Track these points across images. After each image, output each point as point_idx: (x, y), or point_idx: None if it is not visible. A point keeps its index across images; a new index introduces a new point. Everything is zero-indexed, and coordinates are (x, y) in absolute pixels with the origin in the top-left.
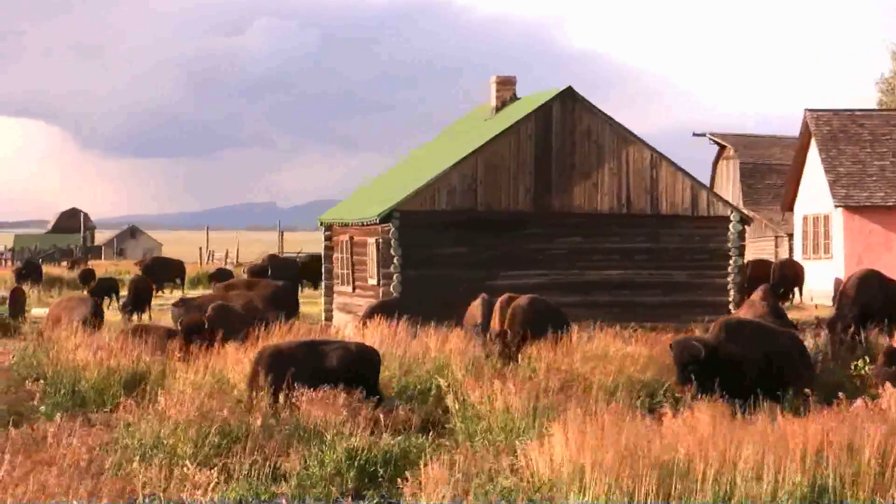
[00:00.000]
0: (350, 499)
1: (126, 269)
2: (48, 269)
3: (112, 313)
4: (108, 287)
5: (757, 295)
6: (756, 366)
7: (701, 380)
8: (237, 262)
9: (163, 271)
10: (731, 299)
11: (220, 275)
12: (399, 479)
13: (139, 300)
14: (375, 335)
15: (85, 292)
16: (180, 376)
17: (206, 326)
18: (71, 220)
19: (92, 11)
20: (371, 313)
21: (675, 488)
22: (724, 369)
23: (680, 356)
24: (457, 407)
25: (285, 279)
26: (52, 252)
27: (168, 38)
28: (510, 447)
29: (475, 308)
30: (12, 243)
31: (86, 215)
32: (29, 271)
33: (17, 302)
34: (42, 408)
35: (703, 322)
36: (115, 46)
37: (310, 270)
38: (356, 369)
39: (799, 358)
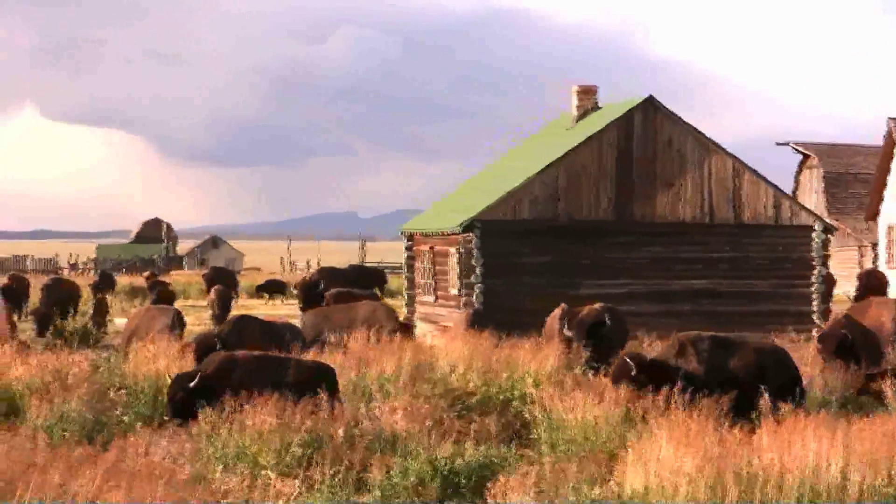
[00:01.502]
0: None
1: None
2: (130, 279)
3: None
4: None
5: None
6: None
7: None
8: None
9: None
10: (814, 309)
11: (270, 286)
12: (485, 489)
13: (225, 310)
14: (458, 345)
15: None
16: None
17: (220, 345)
18: (153, 230)
19: (171, 20)
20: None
21: (760, 496)
22: None
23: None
24: (540, 417)
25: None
26: (134, 262)
27: (250, 46)
28: (593, 457)
29: (554, 318)
30: (95, 253)
31: (168, 225)
32: (104, 284)
33: (100, 312)
34: (125, 417)
35: (788, 332)
36: (196, 55)
37: (358, 283)
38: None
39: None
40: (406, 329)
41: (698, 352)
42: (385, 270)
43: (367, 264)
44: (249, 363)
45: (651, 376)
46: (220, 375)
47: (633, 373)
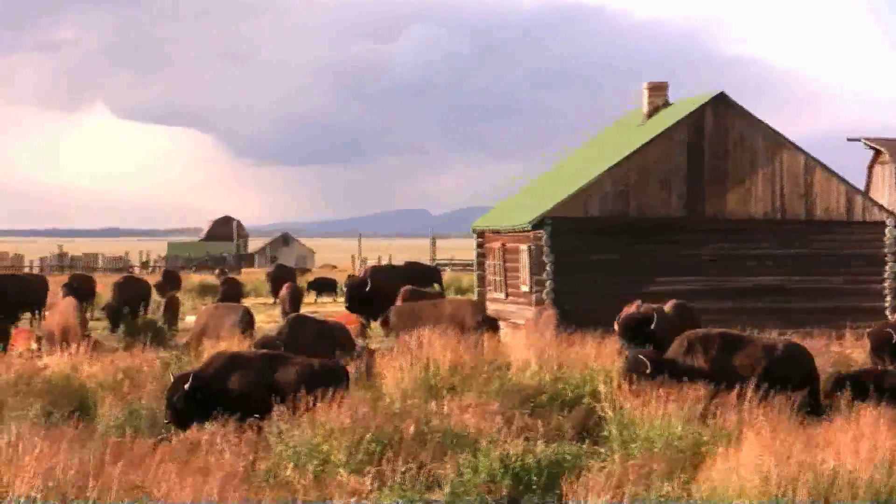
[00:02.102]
0: None
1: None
2: (201, 277)
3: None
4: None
5: None
6: None
7: None
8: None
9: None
10: (887, 305)
11: (319, 284)
12: (556, 486)
13: (296, 308)
14: (530, 341)
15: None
16: None
17: (281, 345)
18: (224, 228)
19: (242, 19)
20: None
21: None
22: None
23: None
24: (611, 414)
25: (385, 290)
26: (204, 260)
27: (320, 45)
28: (666, 455)
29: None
30: (166, 251)
31: (239, 223)
32: (168, 282)
33: (171, 310)
34: None
35: (859, 328)
36: (266, 54)
37: (412, 280)
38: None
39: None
40: (492, 324)
41: (706, 350)
42: (443, 268)
43: (423, 262)
44: (251, 364)
45: (662, 373)
46: (220, 376)
47: (647, 370)
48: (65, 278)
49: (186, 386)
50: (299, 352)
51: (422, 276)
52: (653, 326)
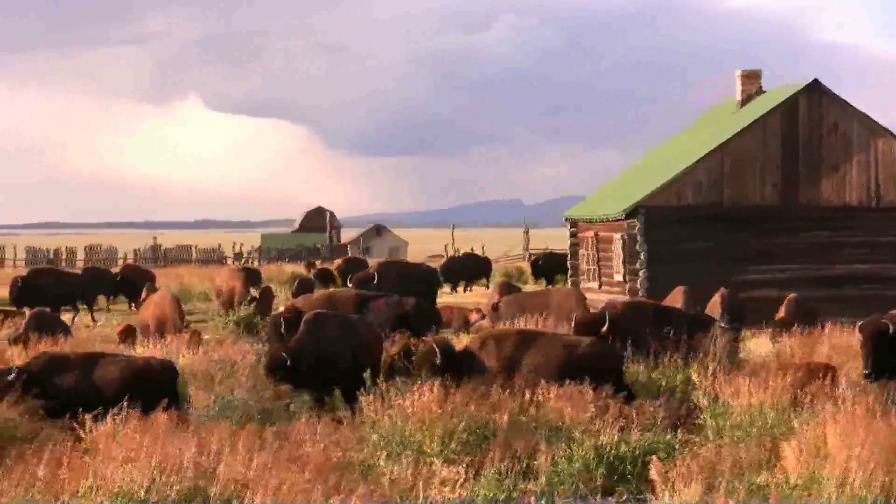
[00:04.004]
0: (599, 496)
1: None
2: (294, 268)
3: None
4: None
5: None
6: None
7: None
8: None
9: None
10: None
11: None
12: (650, 475)
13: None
14: None
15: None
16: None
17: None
18: (317, 219)
19: (333, 10)
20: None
21: None
22: None
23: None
24: (705, 403)
25: (392, 287)
26: (298, 251)
27: (412, 36)
28: (760, 443)
29: (715, 303)
30: (259, 242)
31: (331, 214)
32: (251, 278)
33: (265, 301)
34: (290, 406)
35: None
36: (358, 46)
37: (463, 273)
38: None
39: None
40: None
41: (498, 348)
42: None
43: (477, 254)
44: (75, 363)
45: (453, 367)
46: (44, 375)
47: (438, 360)
48: (160, 271)
49: (10, 378)
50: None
51: (478, 267)
52: (604, 329)
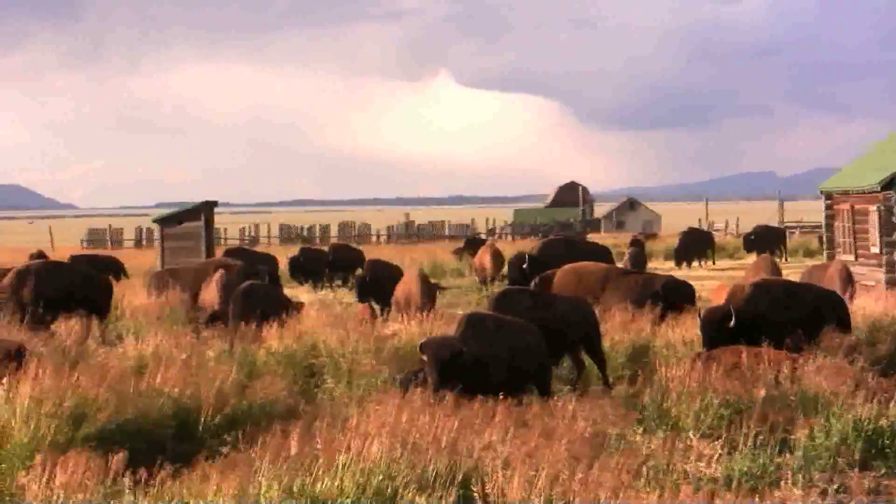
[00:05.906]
0: (857, 470)
1: (623, 242)
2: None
3: None
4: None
5: None
6: None
7: None
8: (737, 232)
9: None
10: None
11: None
12: None
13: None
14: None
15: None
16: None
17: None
18: (570, 194)
19: None
20: None
21: None
22: None
23: None
24: None
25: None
26: (550, 226)
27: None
28: None
29: (832, 277)
30: (512, 218)
31: (584, 188)
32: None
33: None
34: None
35: None
36: (610, 20)
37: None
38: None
39: None
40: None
41: (476, 332)
42: (791, 230)
43: (701, 229)
44: None
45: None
46: None
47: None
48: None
49: None
50: None
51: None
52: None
